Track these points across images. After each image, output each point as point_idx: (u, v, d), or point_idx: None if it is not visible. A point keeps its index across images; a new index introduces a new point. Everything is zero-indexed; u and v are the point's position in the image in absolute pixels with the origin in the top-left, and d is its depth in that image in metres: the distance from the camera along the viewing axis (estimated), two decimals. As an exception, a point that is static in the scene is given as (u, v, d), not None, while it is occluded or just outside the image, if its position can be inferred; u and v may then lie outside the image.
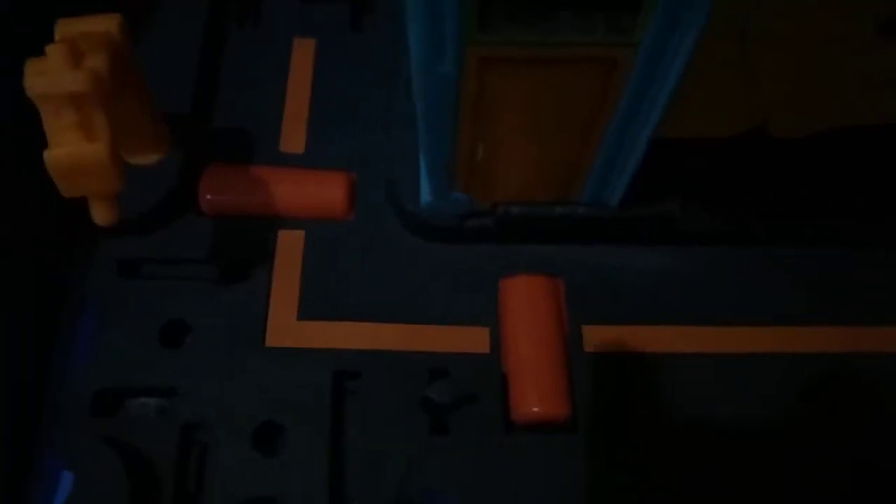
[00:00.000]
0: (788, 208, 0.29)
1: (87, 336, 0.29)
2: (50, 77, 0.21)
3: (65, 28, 0.24)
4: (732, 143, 0.27)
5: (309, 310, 0.30)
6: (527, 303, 0.30)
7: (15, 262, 0.30)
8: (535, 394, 0.28)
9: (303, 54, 0.34)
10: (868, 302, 0.30)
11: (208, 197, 0.31)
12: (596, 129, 0.25)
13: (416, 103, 0.23)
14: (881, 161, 0.29)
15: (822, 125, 0.25)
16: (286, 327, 0.29)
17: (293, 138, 0.32)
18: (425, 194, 0.29)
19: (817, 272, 0.30)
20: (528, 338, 0.29)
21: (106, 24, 0.25)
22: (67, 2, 0.28)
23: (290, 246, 0.31)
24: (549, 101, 0.23)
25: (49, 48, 0.22)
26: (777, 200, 0.29)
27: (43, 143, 0.23)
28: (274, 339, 0.29)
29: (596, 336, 0.30)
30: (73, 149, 0.22)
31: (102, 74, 0.22)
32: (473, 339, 0.29)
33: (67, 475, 0.28)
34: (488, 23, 0.20)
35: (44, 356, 0.29)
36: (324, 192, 0.31)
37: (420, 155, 0.28)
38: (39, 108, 0.22)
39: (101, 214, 0.24)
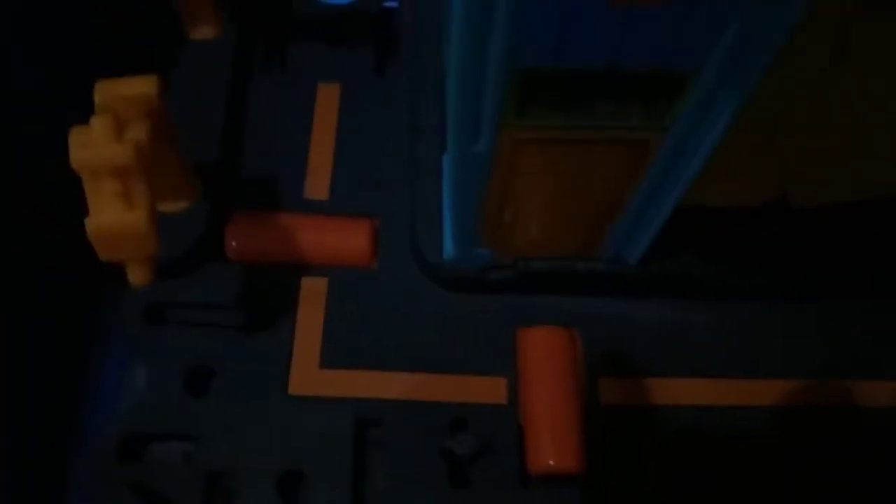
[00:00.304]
0: (803, 264, 0.30)
1: (114, 381, 0.30)
2: (94, 150, 0.22)
3: (105, 91, 0.25)
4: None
5: (331, 357, 0.30)
6: (544, 353, 0.30)
7: (42, 305, 0.30)
8: (552, 447, 0.28)
9: (328, 99, 0.35)
10: (883, 357, 0.30)
11: (234, 244, 0.31)
12: (622, 199, 0.25)
13: (447, 175, 0.24)
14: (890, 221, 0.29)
15: (842, 199, 0.26)
16: (309, 375, 0.30)
17: (318, 185, 0.33)
18: (448, 249, 0.30)
19: (831, 326, 0.31)
20: (544, 389, 0.29)
21: (144, 87, 0.25)
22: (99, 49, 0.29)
23: (313, 293, 0.31)
24: (579, 175, 0.24)
25: (94, 120, 0.22)
26: (793, 255, 0.30)
27: (71, 191, 0.24)
28: (297, 387, 0.30)
29: (612, 388, 0.30)
30: (114, 218, 0.22)
31: (144, 145, 0.23)
32: (491, 390, 0.30)
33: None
34: (526, 109, 0.21)
35: (70, 400, 0.30)
36: (347, 239, 0.32)
37: (445, 214, 0.29)
38: (82, 177, 0.23)
39: (137, 276, 0.24)
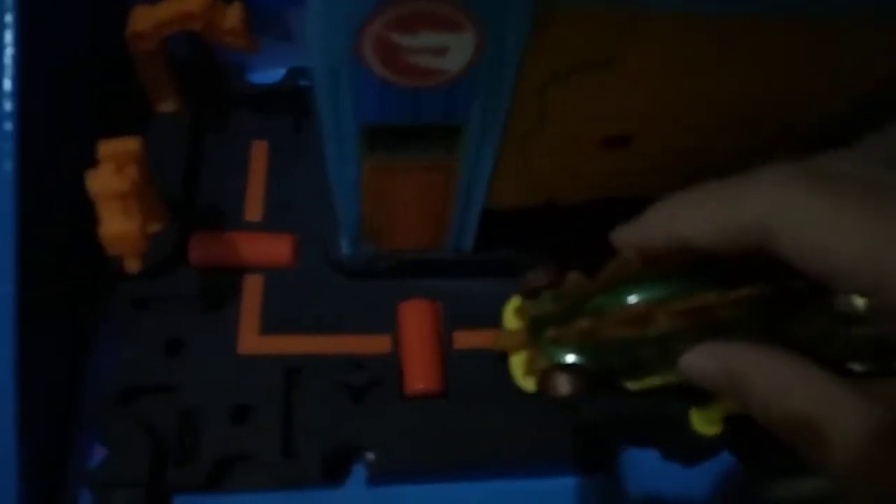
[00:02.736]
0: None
1: (112, 352, 0.43)
2: (103, 182, 0.35)
3: (105, 147, 0.38)
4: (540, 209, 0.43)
5: (268, 327, 0.44)
6: (416, 318, 0.44)
7: (57, 301, 0.43)
8: (420, 376, 0.42)
9: (259, 151, 0.49)
10: None
11: (195, 255, 0.44)
12: (448, 205, 0.40)
13: (334, 194, 0.38)
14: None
15: (586, 198, 0.41)
16: (252, 340, 0.43)
17: (254, 211, 0.47)
18: (344, 247, 0.44)
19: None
20: (416, 340, 0.43)
21: (133, 144, 0.38)
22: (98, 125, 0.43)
23: (253, 286, 0.45)
24: (417, 190, 0.38)
25: (101, 165, 0.36)
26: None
27: (86, 216, 0.37)
28: (244, 348, 0.43)
29: (461, 338, 0.44)
30: (118, 228, 0.36)
31: (136, 179, 0.36)
32: (381, 344, 0.44)
33: (99, 449, 0.41)
34: (373, 148, 0.35)
35: (79, 367, 0.43)
36: (275, 249, 0.45)
37: (339, 223, 0.43)
38: (95, 201, 0.36)
39: (132, 266, 0.37)
